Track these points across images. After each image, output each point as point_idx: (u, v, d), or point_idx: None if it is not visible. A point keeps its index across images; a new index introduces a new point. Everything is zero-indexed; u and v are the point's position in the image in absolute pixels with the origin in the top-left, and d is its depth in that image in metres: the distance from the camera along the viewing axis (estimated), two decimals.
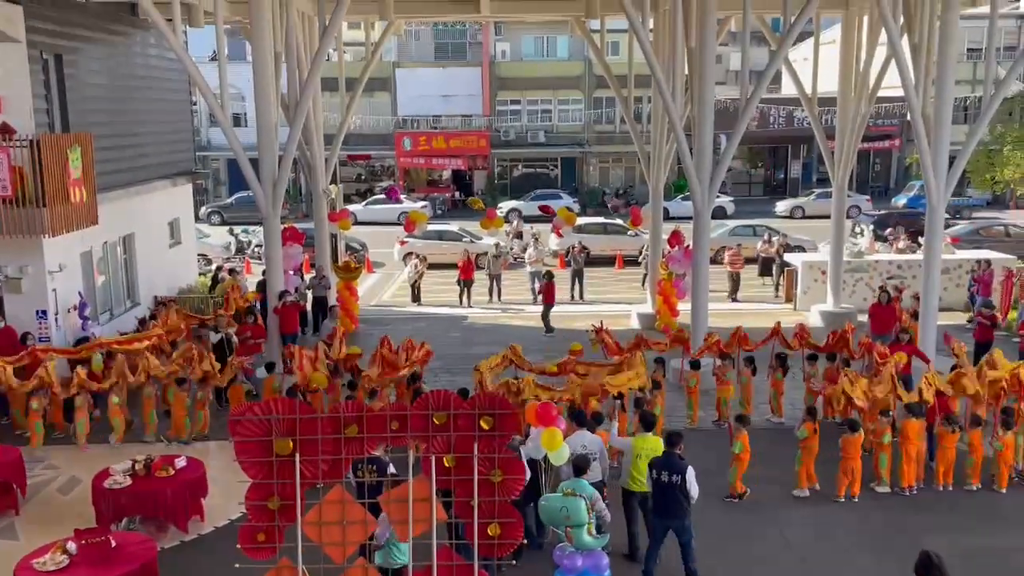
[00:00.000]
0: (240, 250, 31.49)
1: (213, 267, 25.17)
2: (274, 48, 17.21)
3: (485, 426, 7.54)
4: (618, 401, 12.59)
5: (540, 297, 21.79)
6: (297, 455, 7.41)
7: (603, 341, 15.71)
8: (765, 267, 25.92)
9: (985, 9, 16.37)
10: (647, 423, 10.53)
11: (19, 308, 15.66)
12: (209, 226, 38.21)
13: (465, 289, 24.27)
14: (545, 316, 21.24)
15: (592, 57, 41.32)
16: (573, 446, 9.58)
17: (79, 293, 16.91)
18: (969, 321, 19.80)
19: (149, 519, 11.00)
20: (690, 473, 9.44)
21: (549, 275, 21.75)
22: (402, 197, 40.07)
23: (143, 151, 20.66)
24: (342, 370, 14.86)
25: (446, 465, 7.57)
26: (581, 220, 29.87)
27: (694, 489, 9.46)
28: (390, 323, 21.88)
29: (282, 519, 7.49)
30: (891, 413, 12.30)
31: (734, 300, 24.38)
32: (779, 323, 16.21)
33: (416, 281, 24.67)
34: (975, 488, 12.19)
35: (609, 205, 44.17)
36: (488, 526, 7.60)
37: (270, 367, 14.69)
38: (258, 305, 19.43)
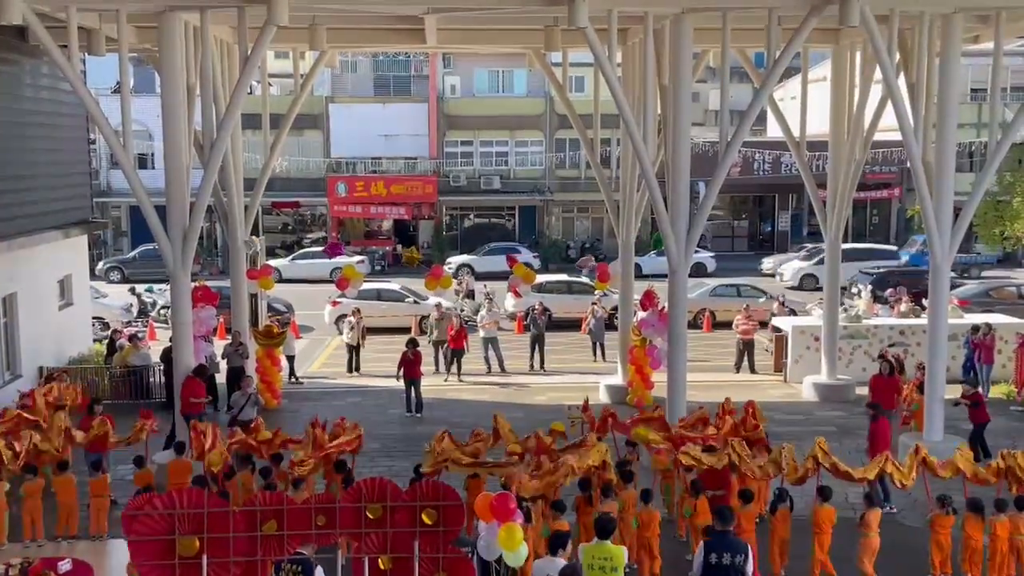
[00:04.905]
0: (143, 312, 31.15)
1: (110, 332, 24.77)
2: (187, 80, 17.21)
3: (428, 520, 7.44)
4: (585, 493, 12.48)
5: (399, 372, 20.95)
6: (204, 557, 7.24)
7: (590, 420, 15.54)
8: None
9: (989, 45, 16.99)
10: (603, 530, 9.72)
11: None
12: (108, 284, 38.01)
13: (455, 360, 24.00)
14: (409, 393, 20.69)
15: (554, 94, 42.12)
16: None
17: None
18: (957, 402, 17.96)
19: None
20: (749, 551, 9.86)
21: (413, 342, 21.26)
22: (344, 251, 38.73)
23: (29, 197, 20.42)
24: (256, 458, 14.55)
25: (381, 568, 7.43)
26: (542, 278, 30.04)
27: (749, 567, 9.73)
28: (319, 398, 21.62)
29: None
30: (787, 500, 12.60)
31: (752, 372, 24.12)
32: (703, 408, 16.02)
33: (358, 342, 24.37)
34: None
35: (577, 264, 44.46)
36: None
37: (180, 448, 14.37)
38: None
